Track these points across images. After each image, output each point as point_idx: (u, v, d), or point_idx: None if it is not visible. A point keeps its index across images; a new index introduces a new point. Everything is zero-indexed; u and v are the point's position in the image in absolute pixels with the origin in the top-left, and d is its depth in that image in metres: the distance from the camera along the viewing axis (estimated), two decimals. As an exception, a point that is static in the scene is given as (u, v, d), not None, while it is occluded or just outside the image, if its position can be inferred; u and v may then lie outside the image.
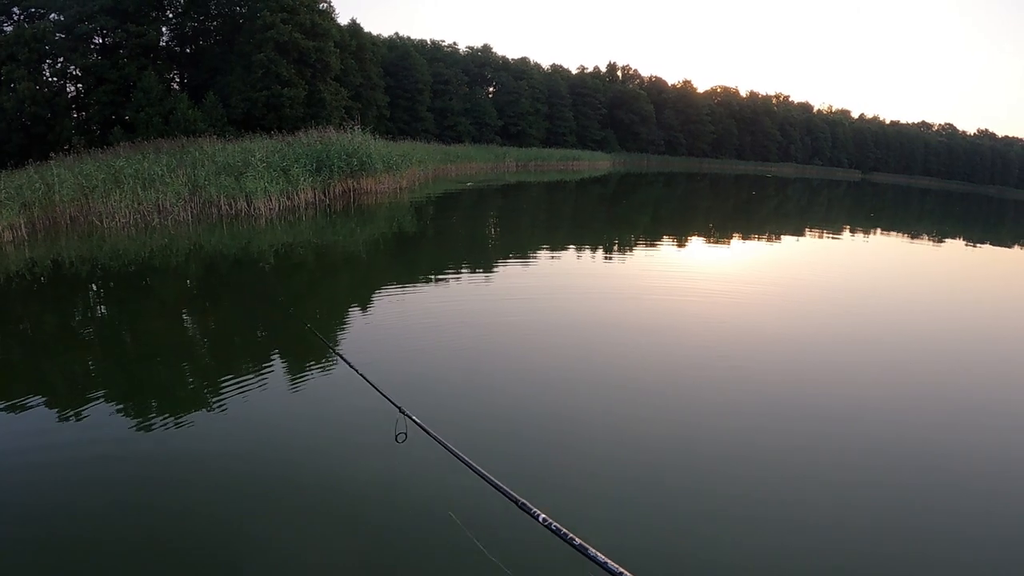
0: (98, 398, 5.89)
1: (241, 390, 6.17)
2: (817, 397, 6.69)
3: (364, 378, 3.76)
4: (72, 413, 5.53)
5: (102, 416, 5.52)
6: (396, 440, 3.00)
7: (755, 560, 3.99)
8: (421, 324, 8.52)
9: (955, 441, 5.90)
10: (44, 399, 5.90)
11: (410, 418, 3.05)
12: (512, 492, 2.50)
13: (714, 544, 4.13)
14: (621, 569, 2.10)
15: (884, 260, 18.46)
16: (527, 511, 2.44)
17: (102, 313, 9.62)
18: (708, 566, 3.93)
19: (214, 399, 5.97)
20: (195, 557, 3.77)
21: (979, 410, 6.68)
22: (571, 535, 2.22)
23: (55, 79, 32.55)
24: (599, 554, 2.14)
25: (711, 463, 5.15)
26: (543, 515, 2.42)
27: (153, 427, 5.38)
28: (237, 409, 5.76)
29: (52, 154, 20.77)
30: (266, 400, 5.98)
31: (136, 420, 5.50)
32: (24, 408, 5.67)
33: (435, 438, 2.90)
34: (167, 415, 5.61)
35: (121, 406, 5.78)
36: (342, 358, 4.34)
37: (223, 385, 6.33)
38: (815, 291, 12.58)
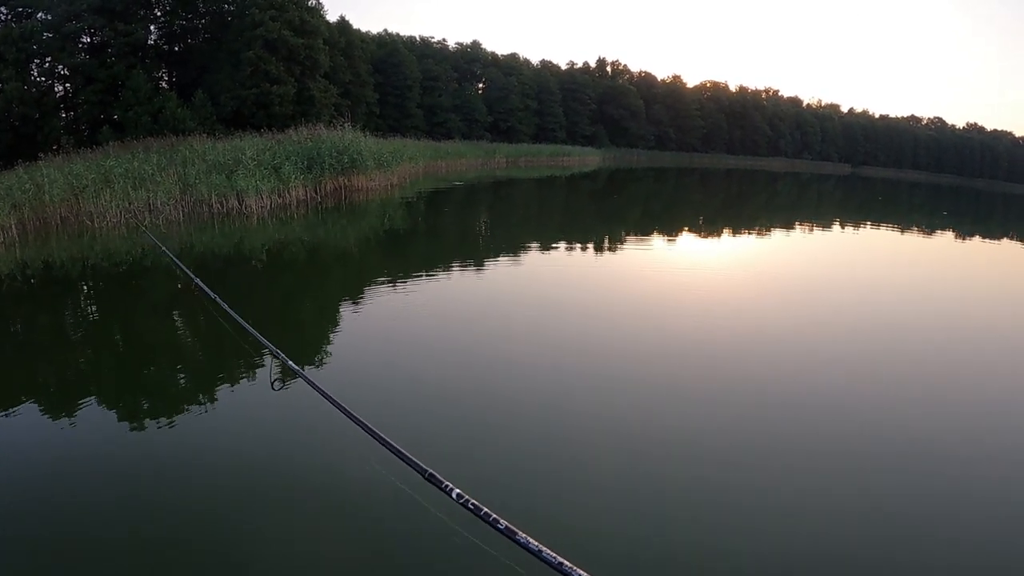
0: (90, 398, 5.96)
1: (233, 387, 6.26)
2: (805, 389, 6.80)
3: (249, 329, 3.78)
4: (64, 413, 5.59)
5: (94, 415, 5.59)
6: (272, 388, 3.03)
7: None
8: (398, 309, 8.66)
9: (952, 432, 5.98)
10: (36, 399, 5.97)
11: (288, 363, 3.04)
12: (420, 463, 2.26)
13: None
14: (559, 559, 1.89)
15: (877, 252, 18.68)
16: (436, 484, 2.20)
17: (94, 313, 9.66)
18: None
19: (206, 397, 6.06)
20: (190, 554, 3.83)
21: (976, 402, 6.77)
22: (495, 516, 1.99)
23: (43, 79, 32.34)
24: (531, 540, 1.92)
25: (680, 453, 5.21)
26: (457, 490, 2.19)
27: (144, 425, 5.45)
28: (229, 406, 5.84)
29: (41, 154, 20.64)
30: (258, 396, 6.06)
31: (128, 419, 5.58)
32: (15, 408, 5.72)
33: (325, 395, 2.86)
34: (159, 413, 5.68)
35: (113, 405, 5.86)
36: (230, 312, 4.34)
37: (215, 382, 6.42)
38: (804, 284, 12.77)
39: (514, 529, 1.98)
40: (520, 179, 39.06)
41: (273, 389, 2.83)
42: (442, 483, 2.31)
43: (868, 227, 25.39)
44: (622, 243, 17.41)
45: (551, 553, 1.91)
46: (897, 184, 70.21)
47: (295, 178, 20.13)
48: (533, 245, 15.54)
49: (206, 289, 3.70)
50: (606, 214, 25.07)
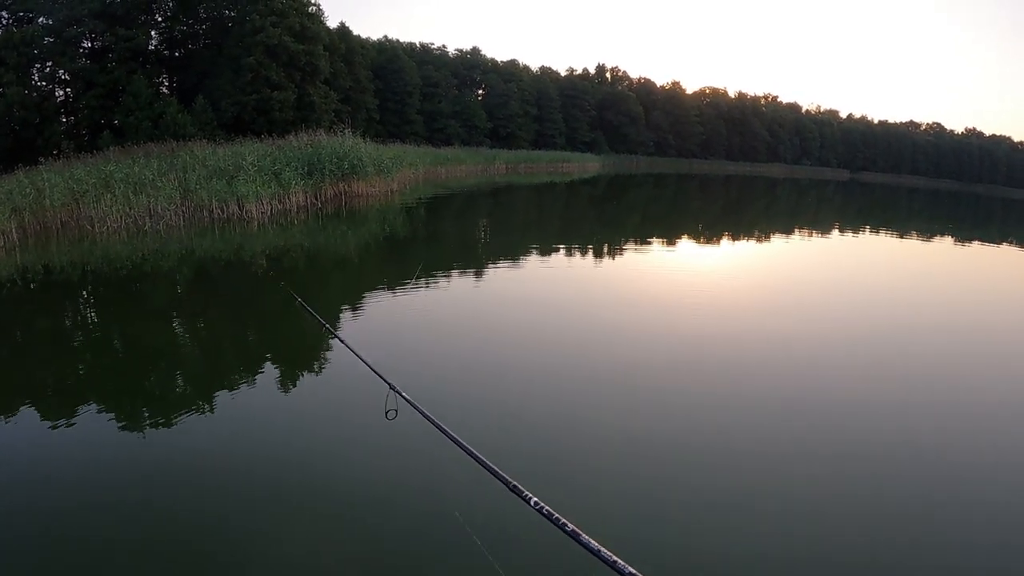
0: (91, 401, 5.94)
1: (235, 387, 6.27)
2: (813, 393, 6.81)
3: (355, 354, 3.80)
4: (65, 416, 5.58)
5: (94, 419, 5.58)
6: (387, 417, 3.04)
7: (751, 550, 4.05)
8: (421, 316, 8.66)
9: (958, 435, 6.01)
10: (37, 403, 5.95)
11: (401, 395, 3.07)
12: (504, 474, 2.50)
13: (708, 535, 4.18)
14: (614, 557, 2.05)
15: (878, 257, 18.70)
16: (519, 494, 2.42)
17: (94, 317, 9.66)
18: (701, 556, 3.98)
19: (208, 398, 6.05)
20: (192, 555, 3.83)
21: (974, 403, 6.81)
22: (564, 520, 2.19)
23: (44, 83, 32.43)
24: (592, 541, 2.11)
25: (709, 457, 5.26)
26: (535, 499, 2.40)
27: (147, 427, 5.45)
28: (233, 406, 5.86)
29: (41, 159, 20.68)
30: (260, 397, 6.08)
31: (129, 421, 5.57)
32: (16, 412, 5.71)
33: (427, 416, 2.91)
34: (161, 415, 5.68)
35: (114, 408, 5.85)
36: (334, 334, 4.41)
37: (217, 383, 6.42)
38: (808, 289, 12.76)
39: (578, 531, 2.12)
40: (520, 185, 39.10)
41: (387, 419, 2.89)
42: (523, 492, 2.46)
43: (867, 232, 25.42)
44: (624, 248, 17.41)
45: (608, 553, 2.02)
46: (896, 190, 70.36)
47: (295, 184, 20.16)
48: (535, 249, 15.54)
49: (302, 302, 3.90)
50: (607, 219, 25.10)
